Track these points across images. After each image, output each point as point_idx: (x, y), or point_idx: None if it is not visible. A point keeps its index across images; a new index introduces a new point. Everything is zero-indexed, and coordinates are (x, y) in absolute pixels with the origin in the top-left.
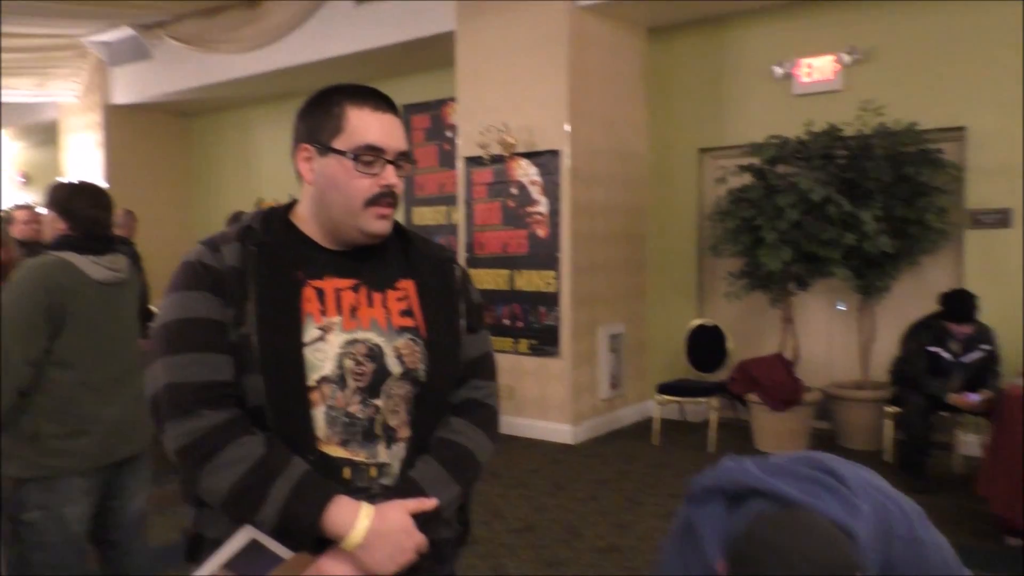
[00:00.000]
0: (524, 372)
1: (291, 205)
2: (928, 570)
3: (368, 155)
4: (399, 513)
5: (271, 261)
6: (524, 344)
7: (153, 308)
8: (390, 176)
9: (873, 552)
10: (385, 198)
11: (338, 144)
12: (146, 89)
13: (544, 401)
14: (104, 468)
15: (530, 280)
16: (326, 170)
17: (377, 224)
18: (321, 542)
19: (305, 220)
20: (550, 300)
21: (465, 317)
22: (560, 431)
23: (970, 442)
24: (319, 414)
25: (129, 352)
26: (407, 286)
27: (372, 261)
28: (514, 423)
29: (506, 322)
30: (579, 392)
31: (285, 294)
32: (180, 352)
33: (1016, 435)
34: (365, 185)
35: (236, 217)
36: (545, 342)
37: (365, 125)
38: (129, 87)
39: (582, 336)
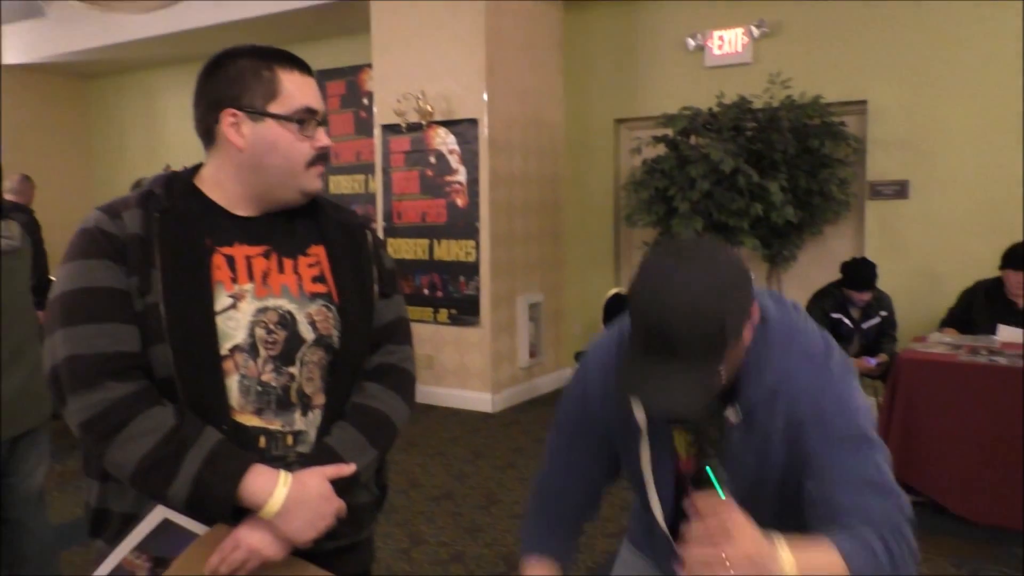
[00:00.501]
0: (443, 342)
1: (194, 170)
2: (825, 406)
3: (306, 118)
4: (317, 479)
5: (176, 228)
6: (443, 314)
7: (52, 278)
8: (324, 138)
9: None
10: (322, 159)
11: (275, 109)
12: (40, 49)
13: (463, 370)
14: None
15: (449, 250)
16: (264, 135)
17: (316, 183)
18: (237, 513)
19: (212, 185)
20: (469, 270)
21: (378, 282)
22: (479, 400)
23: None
24: (232, 383)
25: (24, 323)
26: (318, 252)
27: (282, 227)
28: (433, 393)
29: (425, 292)
30: (498, 361)
31: (193, 262)
32: (81, 323)
33: (909, 398)
34: (306, 148)
35: (140, 184)
36: (464, 312)
37: (299, 89)
38: (22, 47)
39: (501, 305)
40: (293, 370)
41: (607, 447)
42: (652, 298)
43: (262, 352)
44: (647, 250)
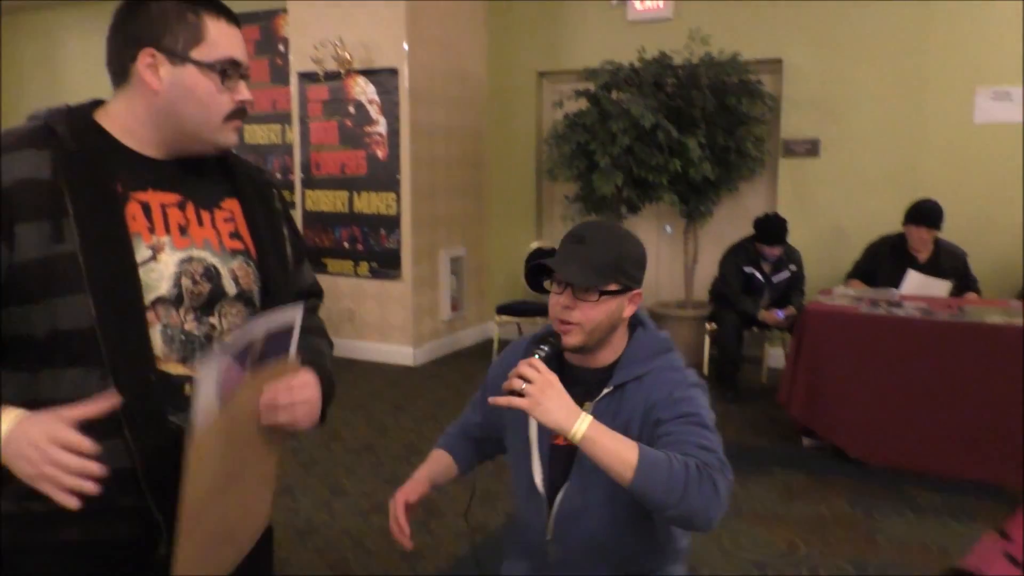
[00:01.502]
0: (365, 295)
1: (93, 105)
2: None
3: (229, 70)
4: (45, 423)
5: (87, 171)
6: (364, 267)
7: None
8: (246, 92)
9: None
10: (241, 114)
11: (198, 55)
12: None
13: (385, 324)
14: None
15: (370, 202)
16: (182, 80)
17: (233, 137)
18: None
19: (118, 124)
20: (390, 223)
21: (291, 244)
22: (401, 353)
23: (776, 356)
24: (155, 333)
25: None
26: (232, 206)
27: (194, 175)
28: (355, 346)
29: (346, 245)
30: (420, 315)
31: (108, 210)
32: None
33: (814, 348)
34: (226, 100)
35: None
36: (386, 265)
37: (226, 38)
38: None
39: (423, 259)
40: (213, 320)
41: (492, 436)
42: (577, 227)
43: (186, 302)
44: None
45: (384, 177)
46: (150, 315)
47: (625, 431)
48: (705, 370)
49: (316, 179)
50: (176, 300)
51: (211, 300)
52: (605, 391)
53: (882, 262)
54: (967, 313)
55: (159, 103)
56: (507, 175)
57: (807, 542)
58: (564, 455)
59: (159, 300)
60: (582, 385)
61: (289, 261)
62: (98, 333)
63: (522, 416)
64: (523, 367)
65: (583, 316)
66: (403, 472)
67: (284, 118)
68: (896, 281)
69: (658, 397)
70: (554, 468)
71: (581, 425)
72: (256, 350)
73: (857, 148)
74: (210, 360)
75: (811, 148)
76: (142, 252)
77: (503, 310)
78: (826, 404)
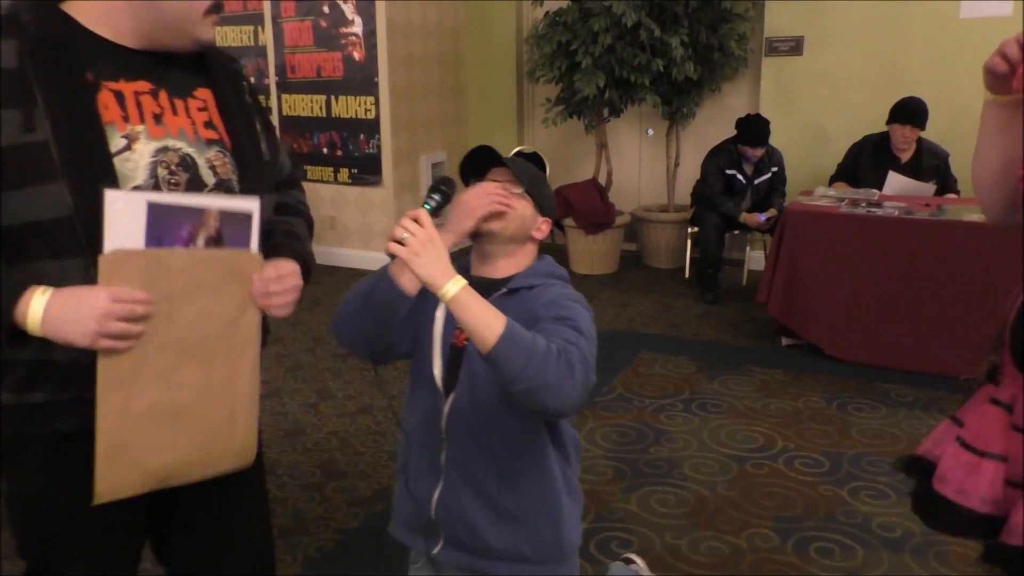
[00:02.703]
0: (345, 202)
1: None
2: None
3: None
4: (93, 291)
5: (55, 59)
6: (344, 173)
7: None
8: None
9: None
10: (218, 8)
11: None
12: None
13: (366, 230)
14: None
15: (348, 106)
16: None
17: (211, 32)
18: (14, 337)
19: (92, 13)
20: (369, 127)
21: (264, 135)
22: (383, 260)
23: (756, 258)
24: None
25: None
26: (205, 96)
27: (165, 64)
28: (336, 253)
29: (325, 151)
30: None
31: (79, 98)
32: None
33: (793, 248)
34: None
35: None
36: (366, 171)
37: None
38: None
39: (403, 164)
40: None
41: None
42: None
43: (165, 191)
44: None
45: (361, 80)
46: None
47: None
48: (686, 273)
49: (292, 83)
50: (154, 190)
51: (188, 191)
52: (497, 293)
53: (864, 162)
54: (946, 212)
55: None
56: (487, 77)
57: (783, 436)
58: (461, 355)
59: (136, 189)
60: (483, 292)
61: (264, 152)
62: (76, 222)
63: (430, 311)
64: (407, 220)
65: (516, 205)
66: (388, 375)
67: (256, 19)
68: (879, 181)
69: (541, 302)
70: (452, 368)
71: (454, 286)
72: (211, 226)
73: (841, 46)
74: (133, 194)
75: (795, 46)
76: (116, 141)
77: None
78: (804, 303)
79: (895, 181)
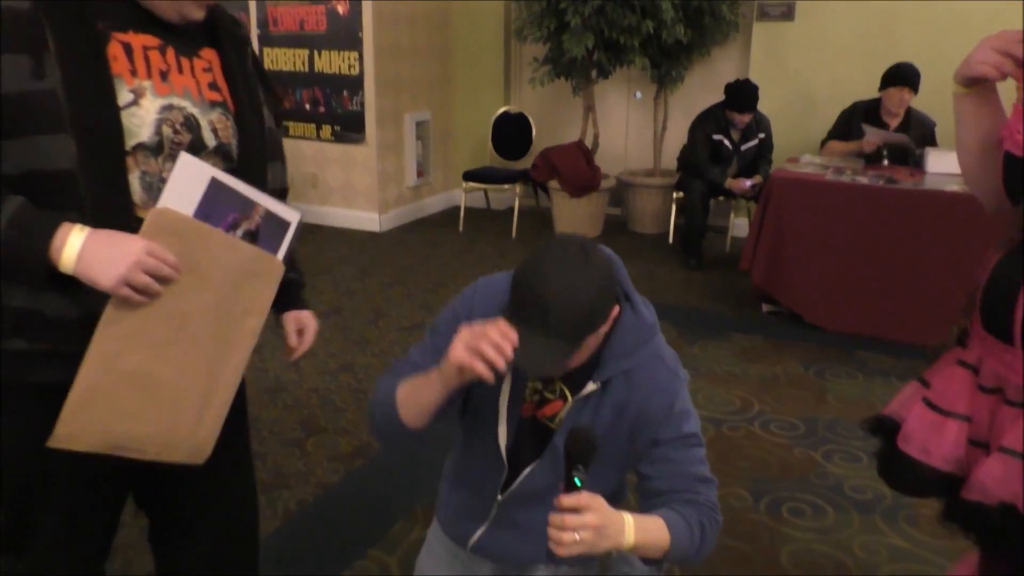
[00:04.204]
0: (328, 160)
1: None
2: (656, 384)
3: None
4: (131, 238)
5: (65, 3)
6: (327, 130)
7: None
8: None
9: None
10: None
11: None
12: None
13: (350, 189)
14: None
15: (331, 62)
16: None
17: (200, 13)
18: (52, 278)
19: None
20: (353, 84)
21: (267, 103)
22: (367, 219)
23: (741, 225)
24: (134, 180)
25: None
26: (210, 57)
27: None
28: (319, 212)
29: (307, 107)
30: (385, 180)
31: (90, 50)
32: None
33: (777, 215)
34: None
35: None
36: (349, 128)
37: None
38: None
39: (387, 123)
40: None
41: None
42: (535, 283)
43: (165, 150)
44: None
45: (345, 35)
46: (129, 161)
47: (612, 434)
48: (671, 239)
49: (274, 36)
50: (156, 148)
51: (190, 151)
52: (589, 387)
53: (855, 128)
54: (928, 182)
55: None
56: (474, 36)
57: (760, 400)
58: (529, 426)
59: (139, 146)
60: (568, 374)
61: (265, 118)
62: (79, 175)
63: (493, 382)
64: (571, 518)
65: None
66: (370, 335)
67: None
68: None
69: (655, 410)
70: (518, 438)
71: (627, 539)
72: (254, 221)
73: (832, 12)
74: (203, 165)
75: (786, 11)
76: (124, 95)
77: (470, 176)
78: (786, 270)
79: (871, 134)
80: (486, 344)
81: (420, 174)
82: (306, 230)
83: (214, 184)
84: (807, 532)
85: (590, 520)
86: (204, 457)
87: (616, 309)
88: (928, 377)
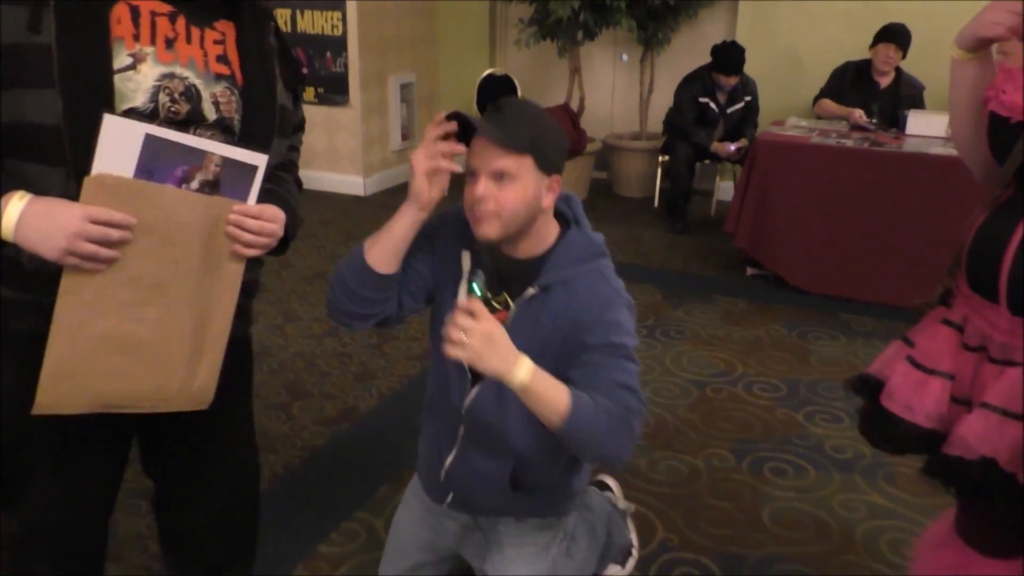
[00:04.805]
0: (311, 122)
1: None
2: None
3: None
4: (69, 208)
5: None
6: (310, 92)
7: None
8: None
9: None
10: None
11: None
12: None
13: (334, 152)
14: None
15: (313, 21)
16: None
17: None
18: None
19: None
20: (336, 45)
21: (284, 79)
22: (351, 183)
23: (726, 189)
24: None
25: None
26: (226, 29)
27: None
28: (302, 176)
29: None
30: (370, 143)
31: (91, 8)
32: None
33: (762, 179)
34: None
35: None
36: (333, 90)
37: None
38: None
39: (371, 85)
40: None
41: (423, 281)
42: (499, 101)
43: (160, 118)
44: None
45: None
46: None
47: (546, 340)
48: (656, 202)
49: None
50: (150, 115)
51: (187, 122)
52: (530, 291)
53: (846, 87)
54: (908, 144)
55: None
56: None
57: (744, 363)
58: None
59: (131, 111)
60: (509, 278)
61: (277, 96)
62: (64, 132)
63: (452, 280)
64: (460, 316)
65: (499, 202)
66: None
67: None
68: (859, 104)
69: (587, 317)
70: None
71: (523, 374)
72: (210, 170)
73: None
74: (132, 123)
75: None
76: (121, 58)
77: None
78: (770, 234)
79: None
80: (440, 145)
81: (405, 137)
82: None
83: (150, 140)
84: (788, 491)
85: (482, 326)
86: (207, 403)
87: (558, 181)
88: (912, 336)
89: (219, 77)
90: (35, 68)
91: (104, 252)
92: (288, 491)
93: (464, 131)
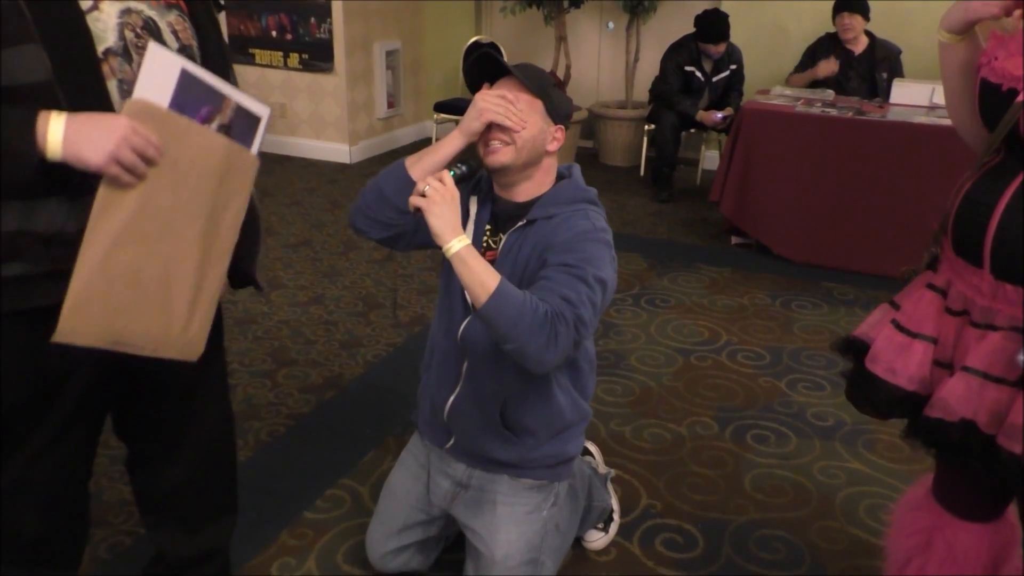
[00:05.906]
0: (296, 89)
1: None
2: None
3: None
4: (116, 116)
5: None
6: (295, 58)
7: None
8: None
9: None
10: None
11: None
12: None
13: (319, 120)
14: None
15: None
16: None
17: None
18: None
19: None
20: (321, 11)
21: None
22: (336, 151)
23: (711, 158)
24: (112, 88)
25: None
26: None
27: None
28: (288, 143)
29: (274, 34)
30: (355, 111)
31: None
32: None
33: (747, 147)
34: None
35: None
36: (317, 57)
37: None
38: None
39: (357, 52)
40: None
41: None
42: (525, 63)
43: (135, 56)
44: None
45: None
46: (105, 68)
47: (524, 267)
48: (642, 171)
49: None
50: (124, 53)
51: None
52: (518, 224)
53: (821, 56)
54: (892, 113)
55: None
56: None
57: (728, 331)
58: None
59: (109, 51)
60: (503, 218)
61: (216, 19)
62: (56, 86)
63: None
64: (431, 178)
65: (516, 130)
66: (341, 266)
67: None
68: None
69: (557, 242)
70: None
71: (458, 243)
72: (226, 115)
73: None
74: (173, 56)
75: None
76: (84, 1)
77: (441, 108)
78: (755, 203)
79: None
80: (493, 99)
81: (391, 105)
82: (275, 161)
83: (185, 75)
84: (770, 458)
85: (444, 190)
86: (197, 354)
87: (563, 132)
88: (898, 300)
89: (169, 6)
90: (10, 26)
91: (143, 166)
92: (273, 458)
93: (490, 71)
